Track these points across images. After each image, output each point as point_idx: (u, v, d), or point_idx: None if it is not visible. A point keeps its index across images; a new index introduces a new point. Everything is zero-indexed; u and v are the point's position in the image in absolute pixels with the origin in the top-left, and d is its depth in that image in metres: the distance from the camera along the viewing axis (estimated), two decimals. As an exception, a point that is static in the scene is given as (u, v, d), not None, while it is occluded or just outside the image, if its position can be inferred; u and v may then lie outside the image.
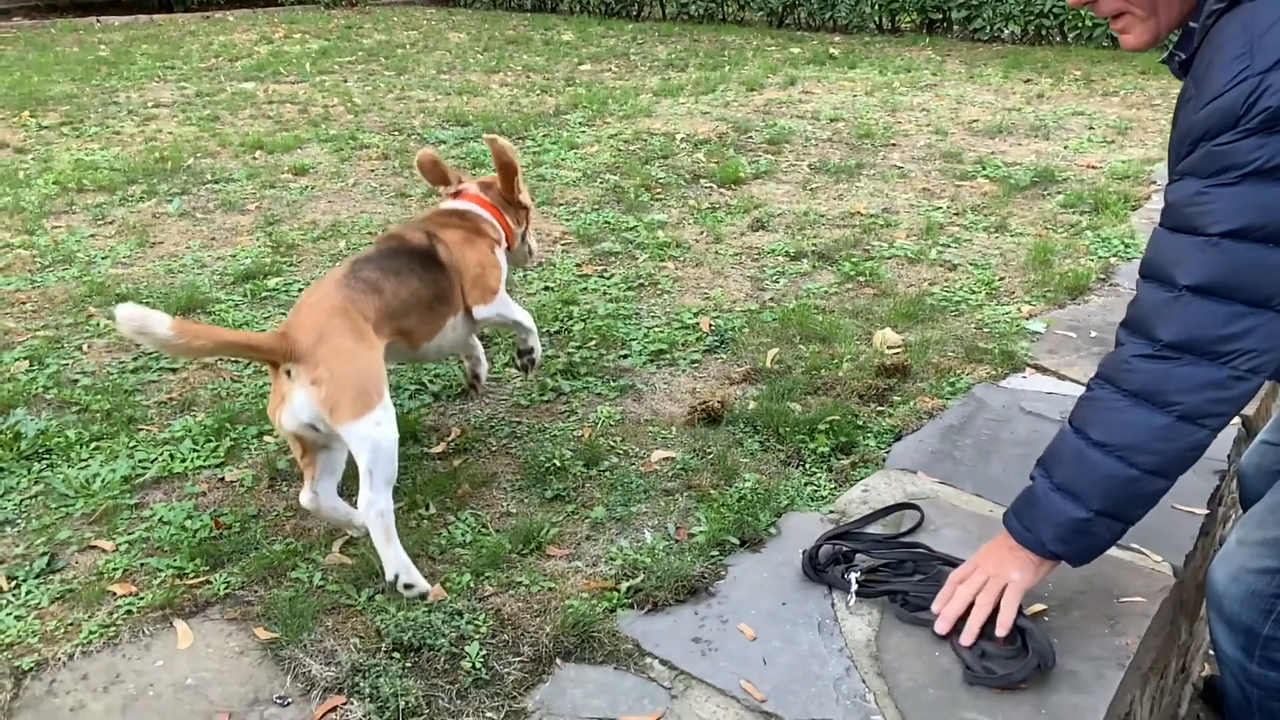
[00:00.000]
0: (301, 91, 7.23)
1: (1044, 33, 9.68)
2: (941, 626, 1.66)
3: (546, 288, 3.49)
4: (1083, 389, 1.59)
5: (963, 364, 2.83)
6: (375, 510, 1.84)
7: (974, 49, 9.37)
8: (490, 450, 2.44)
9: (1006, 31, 9.95)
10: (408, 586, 1.84)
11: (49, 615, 1.84)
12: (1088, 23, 9.25)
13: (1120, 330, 1.53)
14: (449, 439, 2.48)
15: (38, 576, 1.96)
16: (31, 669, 1.70)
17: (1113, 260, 3.67)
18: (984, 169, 5.00)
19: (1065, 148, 5.46)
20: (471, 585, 1.90)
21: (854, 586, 1.77)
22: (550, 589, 1.89)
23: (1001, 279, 3.52)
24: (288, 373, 1.90)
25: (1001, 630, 1.60)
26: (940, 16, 10.19)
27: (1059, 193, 4.59)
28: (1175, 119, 1.48)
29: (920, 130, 5.90)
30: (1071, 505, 1.54)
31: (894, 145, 5.55)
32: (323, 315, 1.94)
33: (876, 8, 10.45)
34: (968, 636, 1.62)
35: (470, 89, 7.31)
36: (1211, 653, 2.04)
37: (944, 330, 3.07)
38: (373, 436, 1.85)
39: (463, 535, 2.07)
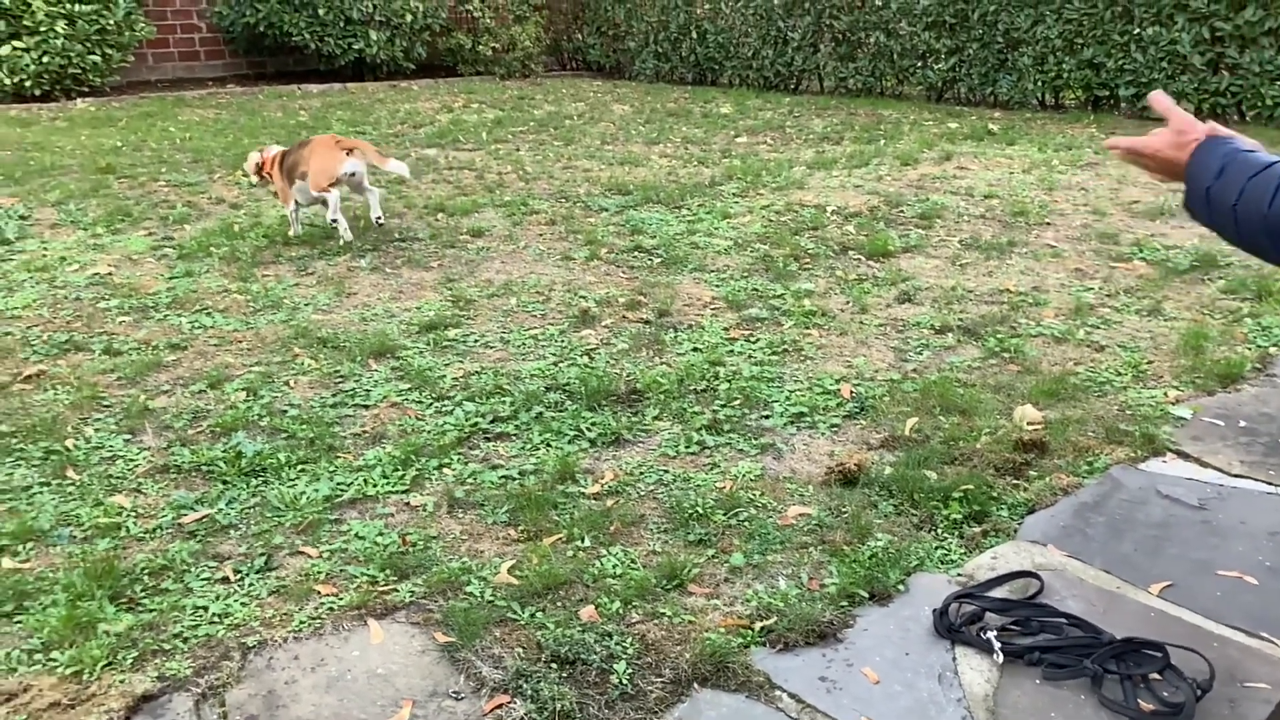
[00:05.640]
0: (478, 158, 7.83)
1: (1220, 111, 9.38)
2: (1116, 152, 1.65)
3: (695, 349, 3.73)
4: None
5: (1102, 444, 2.88)
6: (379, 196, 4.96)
7: (1142, 126, 9.18)
8: (639, 494, 2.67)
9: (1178, 110, 9.68)
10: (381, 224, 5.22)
11: (267, 605, 2.18)
12: (1268, 101, 8.93)
13: None
14: (603, 481, 2.73)
15: (258, 572, 2.31)
16: (254, 646, 2.03)
17: (1272, 350, 3.61)
18: (1141, 251, 4.96)
19: (1231, 232, 5.32)
20: (620, 612, 2.13)
21: (998, 646, 1.90)
22: (690, 621, 2.09)
23: (1150, 362, 3.53)
24: (348, 152, 4.85)
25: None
26: (1106, 94, 10.03)
27: (1220, 278, 4.51)
28: None
29: (1077, 210, 5.89)
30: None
31: (1048, 224, 5.56)
32: (362, 143, 4.99)
33: (1039, 84, 10.38)
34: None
35: (631, 159, 7.74)
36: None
37: (1085, 410, 3.12)
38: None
39: (613, 567, 2.30)
